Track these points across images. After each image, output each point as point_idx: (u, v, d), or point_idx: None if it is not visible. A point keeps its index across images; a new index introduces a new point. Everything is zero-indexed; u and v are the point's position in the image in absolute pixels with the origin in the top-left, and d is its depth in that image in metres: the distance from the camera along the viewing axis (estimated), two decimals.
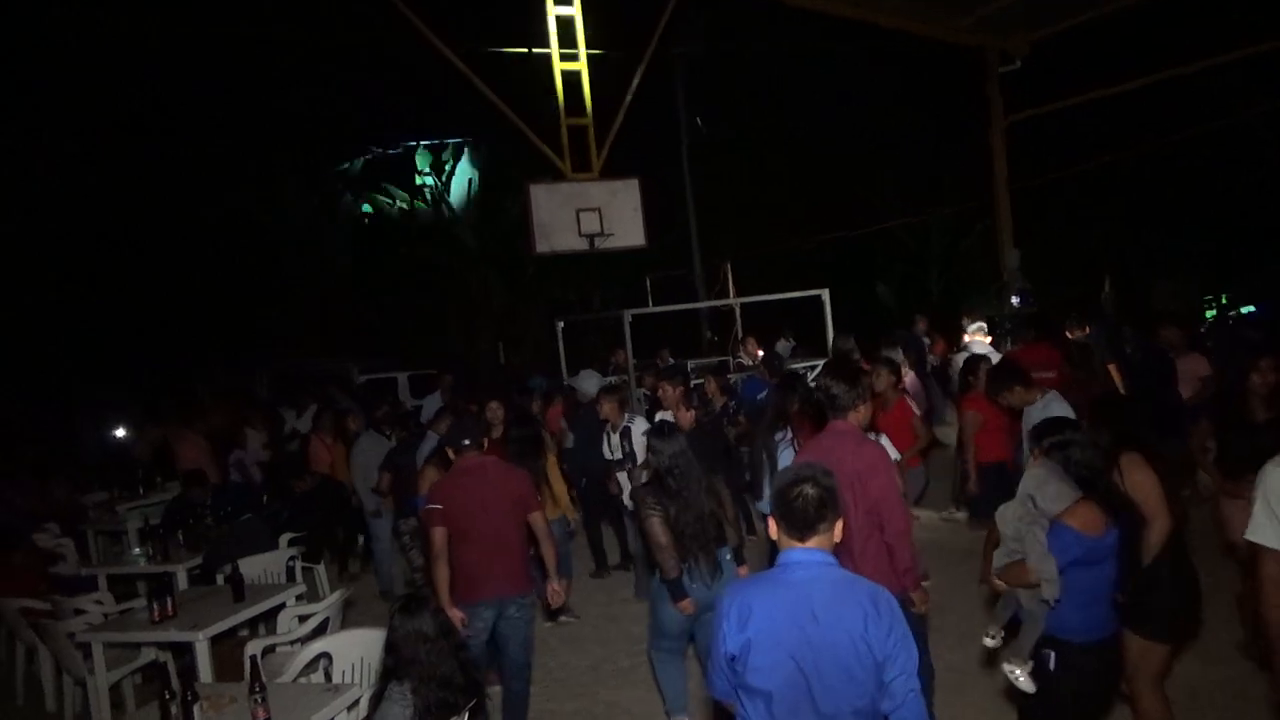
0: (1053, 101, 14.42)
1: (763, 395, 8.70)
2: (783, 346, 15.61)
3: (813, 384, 5.58)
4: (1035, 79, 14.42)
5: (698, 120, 20.76)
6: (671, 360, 13.28)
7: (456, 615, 4.46)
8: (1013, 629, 3.69)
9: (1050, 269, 17.52)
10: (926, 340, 12.88)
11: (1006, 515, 3.60)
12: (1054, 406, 5.32)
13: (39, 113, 20.52)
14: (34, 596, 6.26)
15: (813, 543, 2.58)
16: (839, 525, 2.63)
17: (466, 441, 4.84)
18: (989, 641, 3.76)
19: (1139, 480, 3.79)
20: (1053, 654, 3.43)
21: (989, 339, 10.77)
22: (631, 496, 4.83)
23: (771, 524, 2.68)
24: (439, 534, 4.66)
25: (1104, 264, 17.31)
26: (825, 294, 12.81)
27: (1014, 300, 13.76)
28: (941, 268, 21.77)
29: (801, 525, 2.57)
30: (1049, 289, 15.96)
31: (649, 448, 4.88)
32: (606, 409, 7.43)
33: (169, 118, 21.53)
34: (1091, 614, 3.40)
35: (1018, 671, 3.52)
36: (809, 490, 2.57)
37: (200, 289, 22.36)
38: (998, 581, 3.63)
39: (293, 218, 21.74)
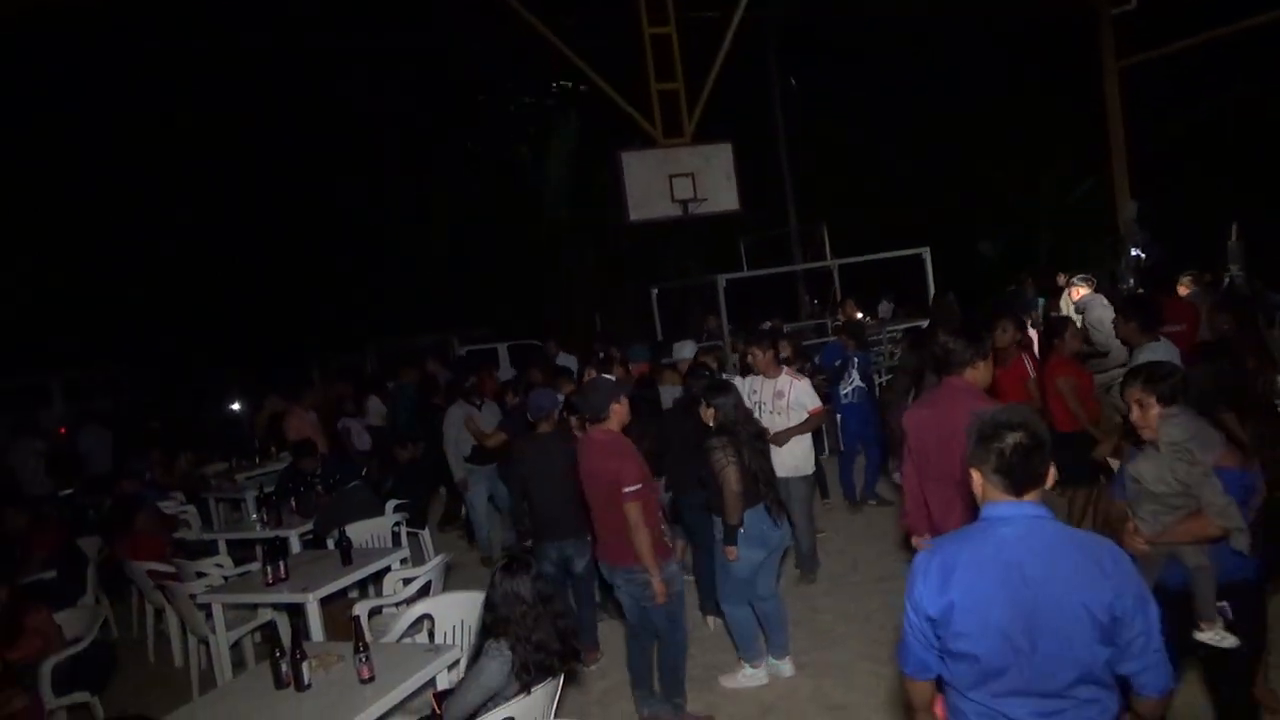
0: (1170, 42, 13.53)
1: (838, 362, 8.46)
2: (884, 308, 15.17)
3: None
4: (1152, 20, 13.55)
5: (791, 80, 20.29)
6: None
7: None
8: None
9: (1174, 221, 16.50)
10: (1041, 300, 12.34)
11: (1151, 474, 3.27)
12: (1158, 352, 5.14)
13: (165, 113, 21.63)
14: (161, 561, 6.60)
15: (1026, 496, 2.28)
16: (1051, 472, 2.29)
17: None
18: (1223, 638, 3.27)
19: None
20: (1227, 604, 3.24)
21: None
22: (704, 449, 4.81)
23: (975, 477, 2.34)
24: None
25: (1232, 214, 16.22)
26: (926, 252, 12.41)
27: (1134, 253, 12.99)
28: (1051, 223, 20.77)
29: (1021, 481, 2.24)
30: (1173, 243, 15.03)
31: (709, 404, 4.84)
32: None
33: (279, 115, 22.33)
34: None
35: (1215, 633, 3.23)
36: (1022, 439, 2.22)
37: (310, 272, 23.24)
38: (1142, 545, 3.28)
39: (393, 199, 22.25)
